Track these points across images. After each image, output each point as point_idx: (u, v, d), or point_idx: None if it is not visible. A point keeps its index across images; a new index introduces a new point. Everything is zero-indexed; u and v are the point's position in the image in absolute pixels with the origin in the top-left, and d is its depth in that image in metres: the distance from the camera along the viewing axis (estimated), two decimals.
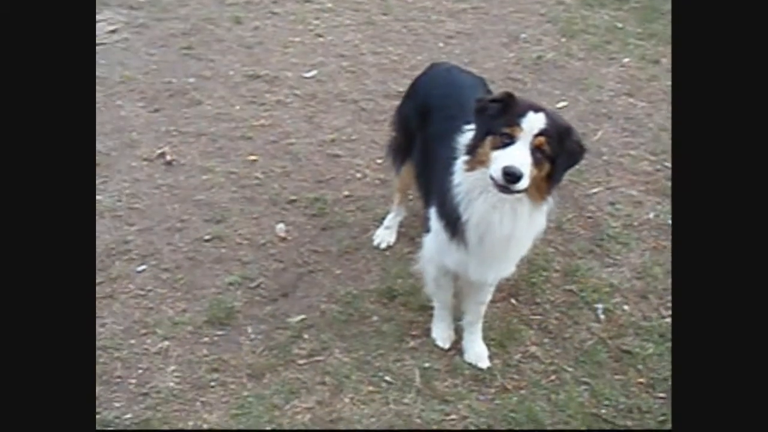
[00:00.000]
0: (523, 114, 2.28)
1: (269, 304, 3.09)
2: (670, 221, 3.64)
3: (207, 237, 3.44)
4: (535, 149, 2.28)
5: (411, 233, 3.46)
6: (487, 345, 2.93)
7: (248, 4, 5.77)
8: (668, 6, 5.99)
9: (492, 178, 2.28)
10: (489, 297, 2.89)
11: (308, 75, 4.79)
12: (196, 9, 5.72)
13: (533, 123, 2.27)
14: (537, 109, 2.31)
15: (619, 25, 5.67)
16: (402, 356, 2.88)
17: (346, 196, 3.72)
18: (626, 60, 5.15)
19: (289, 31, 5.35)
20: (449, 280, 2.87)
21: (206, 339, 2.93)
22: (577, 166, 2.64)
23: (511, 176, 2.22)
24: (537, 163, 2.29)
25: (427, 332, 2.99)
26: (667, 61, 5.13)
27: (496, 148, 2.31)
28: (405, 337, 2.96)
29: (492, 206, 2.40)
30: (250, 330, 2.97)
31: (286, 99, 4.54)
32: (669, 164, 4.05)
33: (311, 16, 5.59)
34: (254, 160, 4.00)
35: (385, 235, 3.45)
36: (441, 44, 5.30)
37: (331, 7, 5.75)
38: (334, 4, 5.79)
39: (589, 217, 3.67)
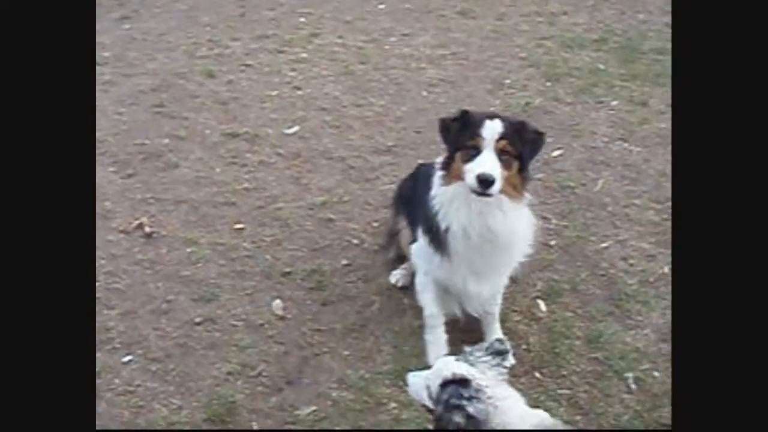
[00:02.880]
0: (480, 125, 2.55)
1: (274, 395, 2.80)
2: None
3: (198, 319, 3.14)
4: (501, 152, 2.55)
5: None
6: None
7: (220, 57, 5.54)
8: (647, 45, 5.92)
9: (471, 188, 2.55)
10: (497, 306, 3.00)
11: (290, 131, 4.56)
12: (165, 63, 5.47)
13: (492, 130, 2.54)
14: (492, 117, 2.58)
15: (602, 66, 5.56)
16: None
17: (345, 266, 3.46)
18: (614, 103, 5.02)
19: (265, 84, 5.13)
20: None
21: None
22: (541, 151, 2.81)
23: (485, 182, 2.51)
24: (505, 164, 2.57)
25: None
26: (655, 102, 5.01)
27: (466, 161, 2.57)
28: (427, 424, 2.70)
29: (478, 213, 2.64)
30: (256, 426, 2.67)
31: (269, 159, 4.29)
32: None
33: (287, 67, 5.37)
34: (241, 229, 3.72)
35: (402, 275, 3.32)
36: (424, 93, 5.11)
37: (306, 58, 5.54)
38: (310, 55, 5.59)
39: (603, 275, 3.46)
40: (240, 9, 6.56)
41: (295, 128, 4.59)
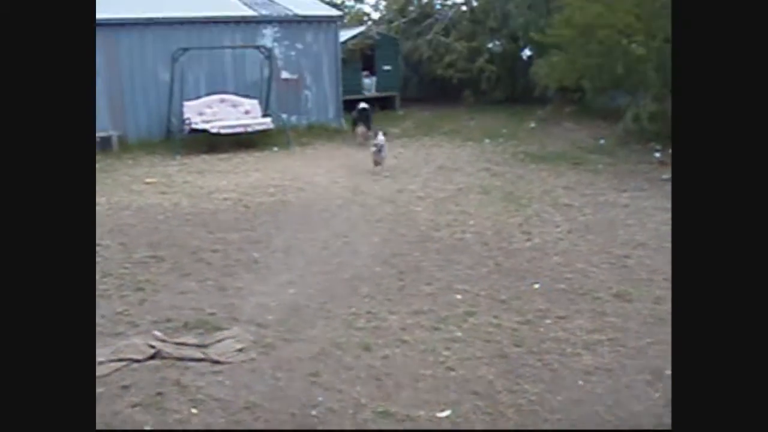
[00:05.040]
0: None
1: None
2: None
3: None
4: None
5: None
6: None
7: (377, 330, 5.72)
8: None
9: None
10: None
11: (442, 415, 4.50)
12: (324, 332, 5.70)
13: None
14: None
15: None
16: None
17: None
18: None
19: (420, 363, 5.17)
20: None
21: None
22: None
23: None
24: None
25: None
26: None
27: None
28: None
29: None
30: None
31: None
32: None
33: (441, 346, 5.43)
34: None
35: None
36: (581, 382, 4.96)
37: (461, 337, 5.60)
38: (465, 334, 5.65)
39: None
40: (399, 282, 6.86)
41: (447, 412, 4.52)
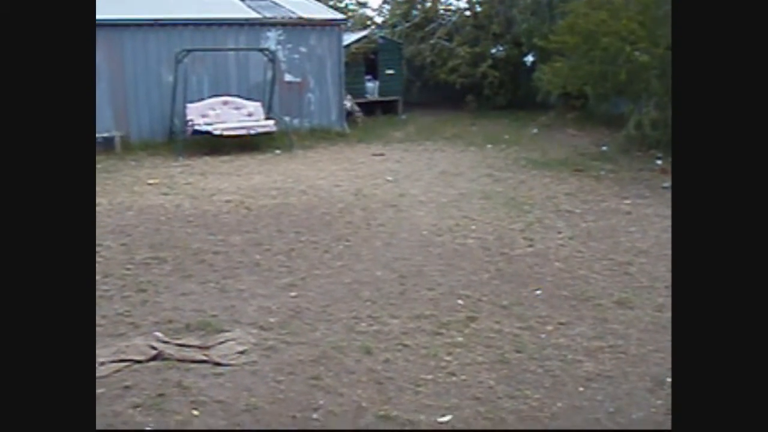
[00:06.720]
0: None
1: None
2: None
3: None
4: None
5: None
6: None
7: (378, 334, 5.72)
8: None
9: None
10: None
11: (442, 419, 4.50)
12: (326, 335, 5.70)
13: None
14: None
15: None
16: None
17: None
18: None
19: (421, 367, 5.17)
20: None
21: None
22: None
23: None
24: None
25: None
26: None
27: None
28: None
29: None
30: None
31: None
32: None
33: (443, 351, 5.44)
34: None
35: None
36: (581, 388, 4.96)
37: (462, 342, 5.60)
38: (466, 339, 5.66)
39: None
40: (401, 287, 6.86)
41: (448, 417, 4.53)
